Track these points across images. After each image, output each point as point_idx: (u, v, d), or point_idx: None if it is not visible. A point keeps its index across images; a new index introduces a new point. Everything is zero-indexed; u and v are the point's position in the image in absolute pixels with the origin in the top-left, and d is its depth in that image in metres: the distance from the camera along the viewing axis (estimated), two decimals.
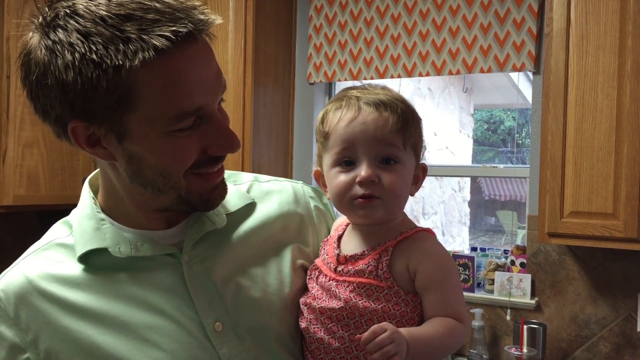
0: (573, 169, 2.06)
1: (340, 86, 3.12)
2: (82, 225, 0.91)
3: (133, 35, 0.74)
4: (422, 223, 5.41)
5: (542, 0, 2.39)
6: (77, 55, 0.75)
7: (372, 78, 2.78)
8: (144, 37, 0.74)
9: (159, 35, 0.75)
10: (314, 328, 0.92)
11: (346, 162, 0.92)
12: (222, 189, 0.91)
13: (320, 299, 0.92)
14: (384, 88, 0.96)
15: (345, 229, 0.99)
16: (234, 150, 0.85)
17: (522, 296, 2.45)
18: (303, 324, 0.94)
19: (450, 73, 2.61)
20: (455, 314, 0.89)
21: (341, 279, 0.92)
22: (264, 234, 0.98)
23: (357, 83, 3.05)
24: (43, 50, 0.78)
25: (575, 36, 2.05)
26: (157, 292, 0.88)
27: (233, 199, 0.98)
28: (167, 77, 0.77)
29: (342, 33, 2.85)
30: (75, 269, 0.89)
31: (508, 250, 2.60)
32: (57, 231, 0.96)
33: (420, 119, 0.96)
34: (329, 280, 0.93)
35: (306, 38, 2.97)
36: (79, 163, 3.04)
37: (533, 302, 2.43)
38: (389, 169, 0.91)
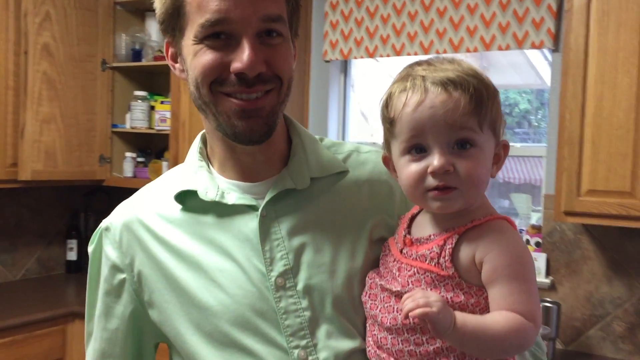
0: (591, 147, 2.04)
1: (355, 64, 3.11)
2: (185, 169, 1.02)
3: None
4: None
5: None
6: None
7: (388, 56, 2.76)
8: None
9: None
10: (372, 303, 0.90)
11: (417, 149, 0.84)
12: (255, 123, 0.91)
13: (384, 278, 0.90)
14: (452, 62, 0.86)
15: (421, 208, 0.94)
16: (246, 68, 0.86)
17: (537, 275, 2.44)
18: (363, 297, 0.92)
19: (468, 50, 2.58)
20: (524, 312, 0.80)
21: (405, 261, 0.88)
22: (347, 201, 0.99)
23: (372, 61, 3.03)
24: None
25: (596, 12, 2.02)
26: (233, 240, 0.95)
27: (324, 165, 1.00)
28: None
29: (359, 10, 2.83)
30: (174, 208, 0.99)
31: (523, 230, 2.59)
32: (169, 174, 1.08)
33: (497, 92, 0.87)
34: (394, 261, 0.90)
35: (322, 15, 2.95)
36: (96, 139, 3.06)
37: (548, 281, 2.43)
38: (465, 154, 0.83)
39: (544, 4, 2.41)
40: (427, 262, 0.85)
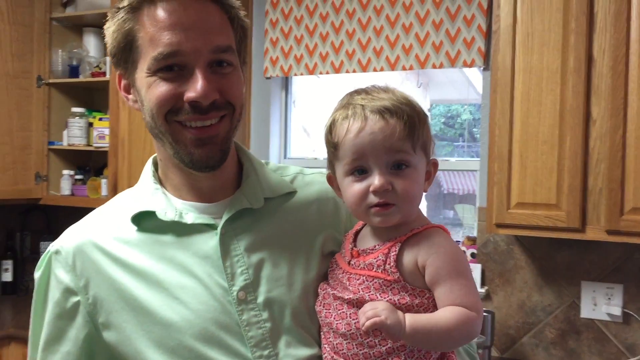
0: (519, 162, 2.13)
1: (296, 81, 3.14)
2: (139, 192, 1.04)
3: None
4: None
5: None
6: (112, 11, 0.98)
7: (327, 73, 2.81)
8: None
9: None
10: (326, 312, 0.96)
11: (359, 171, 0.94)
12: (210, 150, 0.96)
13: (335, 289, 0.97)
14: (387, 91, 0.97)
15: (364, 224, 1.03)
16: (200, 97, 0.91)
17: None
18: (317, 307, 0.99)
19: (404, 68, 2.66)
20: (467, 304, 0.90)
21: (353, 272, 0.95)
22: (299, 218, 1.06)
23: (313, 78, 3.08)
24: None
25: (521, 33, 2.12)
26: (193, 257, 0.98)
27: (275, 186, 1.07)
28: (154, 22, 0.92)
29: (298, 28, 2.87)
30: (129, 230, 1.01)
31: (459, 241, 2.67)
32: (120, 197, 1.09)
33: (426, 117, 0.98)
34: (343, 273, 0.97)
35: (262, 32, 2.98)
36: (31, 157, 2.99)
37: (483, 290, 2.51)
38: (401, 174, 0.93)
39: (474, 25, 2.51)
40: (374, 269, 0.94)
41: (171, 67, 0.92)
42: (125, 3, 0.96)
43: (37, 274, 1.04)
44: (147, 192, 1.03)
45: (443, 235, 0.96)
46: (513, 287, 2.49)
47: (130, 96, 1.00)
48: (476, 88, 4.49)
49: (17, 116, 2.91)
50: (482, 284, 2.53)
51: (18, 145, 2.92)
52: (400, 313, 0.88)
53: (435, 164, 1.00)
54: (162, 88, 0.92)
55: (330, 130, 0.97)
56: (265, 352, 0.95)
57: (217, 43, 0.93)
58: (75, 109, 3.02)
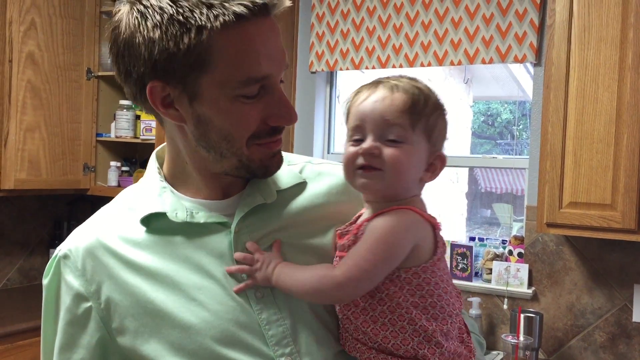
0: (572, 160, 2.08)
1: (341, 75, 3.13)
2: (146, 191, 1.00)
3: (216, 2, 0.85)
4: None
5: None
6: (165, 16, 0.85)
7: (373, 68, 2.79)
8: (225, 4, 0.85)
9: (239, 3, 0.85)
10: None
11: (357, 136, 0.96)
12: (279, 158, 0.98)
13: None
14: (412, 79, 0.98)
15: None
16: (291, 121, 0.93)
17: (519, 285, 2.48)
18: None
19: (452, 64, 2.62)
20: (345, 266, 0.90)
21: (338, 254, 0.97)
22: (311, 212, 1.04)
23: (358, 72, 3.06)
24: (134, 14, 0.88)
25: (577, 28, 2.07)
26: (208, 257, 0.95)
27: (285, 177, 1.04)
28: (241, 43, 0.86)
29: (345, 22, 2.86)
30: (138, 231, 0.97)
31: (506, 240, 2.62)
32: (126, 195, 1.05)
33: (440, 108, 0.97)
34: (335, 257, 0.98)
35: (308, 27, 2.97)
36: (80, 149, 3.04)
37: (530, 291, 2.46)
38: (394, 145, 0.93)
39: (526, 19, 2.45)
40: (345, 250, 0.94)
41: (255, 90, 0.90)
42: (202, 13, 0.84)
43: (45, 280, 1.00)
44: (154, 191, 0.99)
45: (399, 214, 0.93)
46: (562, 289, 2.43)
47: (171, 110, 0.90)
48: (521, 85, 4.41)
49: (67, 108, 2.97)
50: (530, 285, 2.48)
51: (68, 136, 2.98)
52: (271, 269, 0.92)
53: (442, 158, 0.98)
54: (246, 112, 0.89)
55: (347, 101, 1.00)
56: (287, 350, 0.93)
57: (286, 62, 0.94)
58: (123, 102, 3.06)
